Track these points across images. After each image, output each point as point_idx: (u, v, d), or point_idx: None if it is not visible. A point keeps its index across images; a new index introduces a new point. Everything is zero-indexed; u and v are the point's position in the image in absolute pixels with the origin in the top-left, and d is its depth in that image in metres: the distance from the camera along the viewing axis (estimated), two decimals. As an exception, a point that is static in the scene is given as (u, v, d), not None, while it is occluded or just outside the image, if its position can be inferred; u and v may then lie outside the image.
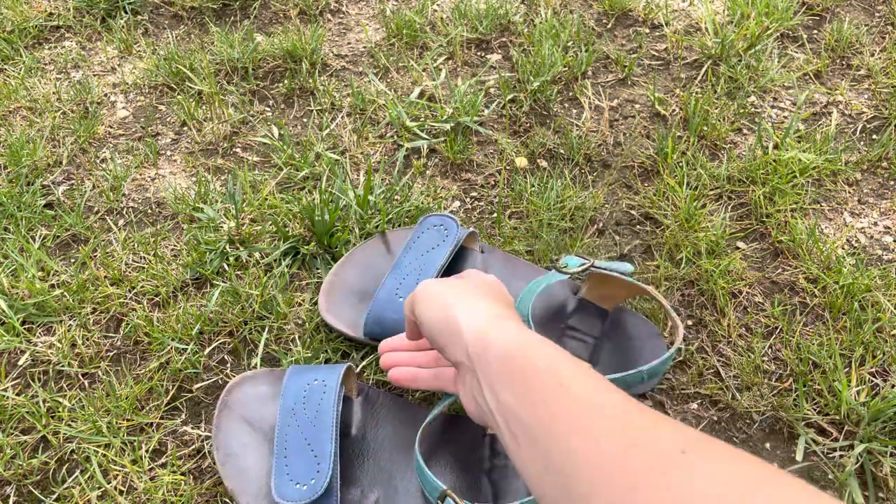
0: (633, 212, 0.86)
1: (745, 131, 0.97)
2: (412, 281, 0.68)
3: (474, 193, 0.88)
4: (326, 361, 0.70)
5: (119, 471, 0.63)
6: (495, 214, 0.84)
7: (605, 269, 0.68)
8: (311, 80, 1.02)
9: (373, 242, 0.77)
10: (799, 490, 0.31)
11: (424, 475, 0.54)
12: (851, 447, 0.65)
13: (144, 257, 0.80)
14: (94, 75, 1.05)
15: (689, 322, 0.75)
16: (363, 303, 0.71)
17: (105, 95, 1.02)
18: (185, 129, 0.96)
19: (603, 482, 0.34)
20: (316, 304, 0.74)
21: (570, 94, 1.01)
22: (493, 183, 0.89)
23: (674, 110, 0.98)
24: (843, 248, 0.82)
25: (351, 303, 0.71)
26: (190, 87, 1.01)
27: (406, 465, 0.60)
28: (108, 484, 0.62)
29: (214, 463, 0.61)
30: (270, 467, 0.58)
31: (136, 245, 0.81)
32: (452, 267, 0.73)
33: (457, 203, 0.87)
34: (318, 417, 0.58)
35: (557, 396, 0.39)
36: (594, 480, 0.34)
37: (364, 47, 1.09)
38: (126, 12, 1.14)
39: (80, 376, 0.70)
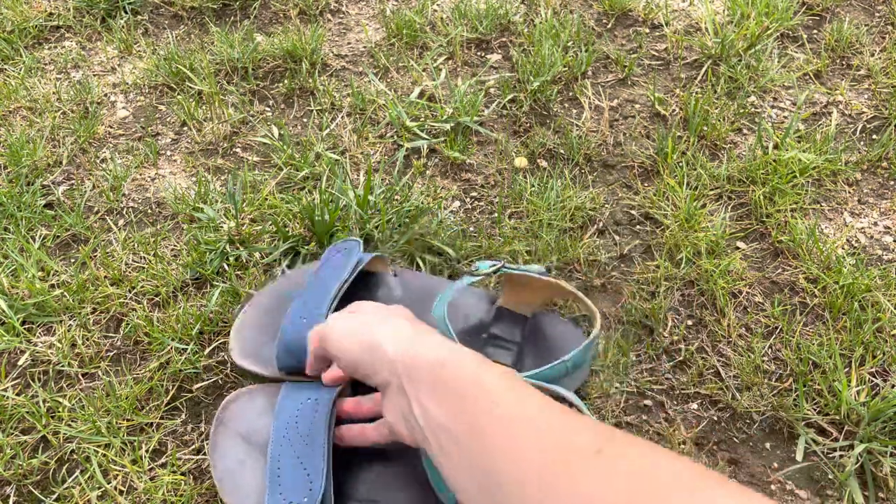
0: (633, 212, 0.86)
1: (745, 131, 0.97)
2: (314, 305, 0.65)
3: (474, 193, 0.88)
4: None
5: (119, 471, 0.63)
6: (495, 214, 0.84)
7: (515, 269, 0.67)
8: (311, 80, 1.02)
9: (279, 281, 0.74)
10: (715, 484, 0.31)
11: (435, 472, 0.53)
12: (851, 447, 0.65)
13: (144, 257, 0.80)
14: (94, 75, 1.05)
15: (689, 322, 0.75)
16: (274, 338, 0.68)
17: (105, 95, 1.02)
18: (185, 129, 0.96)
19: (524, 486, 0.34)
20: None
21: (570, 94, 1.01)
22: (492, 183, 0.89)
23: (674, 110, 0.99)
24: (843, 248, 0.82)
25: (262, 342, 0.68)
26: (190, 87, 1.01)
27: (402, 476, 0.60)
28: (108, 484, 0.62)
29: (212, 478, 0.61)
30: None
31: (136, 245, 0.81)
32: (365, 293, 0.71)
33: (457, 203, 0.87)
34: (311, 436, 0.58)
35: (482, 406, 0.40)
36: (516, 485, 0.35)
37: (364, 47, 1.09)
38: (126, 12, 1.14)
39: (80, 376, 0.70)
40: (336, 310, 0.64)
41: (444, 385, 0.42)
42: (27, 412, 0.67)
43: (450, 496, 0.53)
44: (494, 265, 0.66)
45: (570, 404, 0.61)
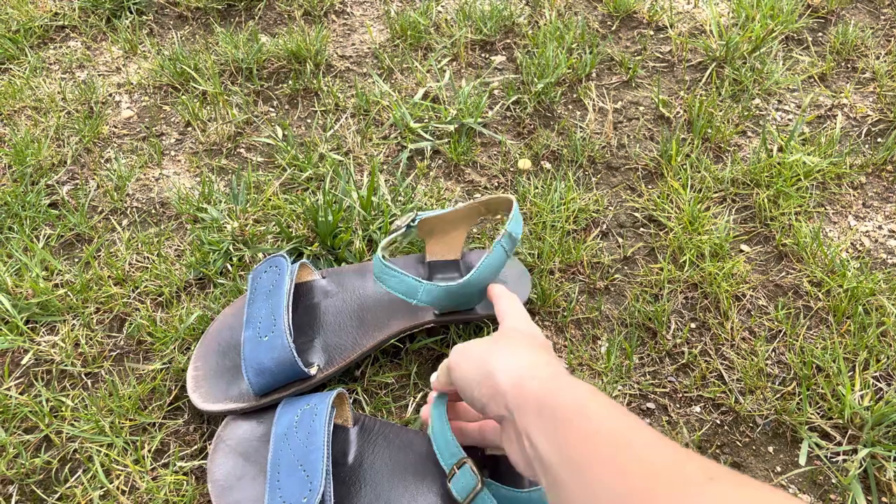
0: (636, 214, 0.86)
1: (749, 134, 0.96)
2: (268, 323, 0.66)
3: (477, 195, 0.88)
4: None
5: (121, 470, 0.63)
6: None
7: (428, 213, 0.71)
8: (315, 81, 1.02)
9: (217, 321, 0.72)
10: None
11: (444, 432, 0.54)
12: (855, 451, 0.65)
13: (148, 257, 0.80)
14: (99, 75, 1.05)
15: (693, 325, 0.75)
16: (237, 370, 0.67)
17: (110, 95, 1.02)
18: (190, 129, 0.97)
19: None
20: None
21: (574, 95, 1.01)
22: (496, 185, 0.89)
23: (678, 112, 0.98)
24: (847, 252, 0.82)
25: (226, 380, 0.67)
26: (194, 88, 1.01)
27: (404, 490, 0.60)
28: (111, 484, 0.62)
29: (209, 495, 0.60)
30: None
31: (139, 245, 0.81)
32: (305, 303, 0.71)
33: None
34: (309, 439, 0.58)
35: (589, 438, 0.39)
36: None
37: (368, 48, 1.09)
38: (131, 13, 1.15)
39: (83, 376, 0.70)
40: (291, 320, 0.65)
41: (550, 419, 0.41)
42: (30, 411, 0.67)
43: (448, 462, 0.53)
44: (410, 216, 0.70)
45: None
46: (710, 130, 0.94)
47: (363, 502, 0.59)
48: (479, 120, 0.95)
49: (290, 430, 0.59)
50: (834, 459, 0.65)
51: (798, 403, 0.68)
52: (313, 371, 0.66)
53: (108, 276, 0.78)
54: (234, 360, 0.67)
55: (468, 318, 0.71)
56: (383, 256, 0.67)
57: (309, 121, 0.98)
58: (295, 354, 0.63)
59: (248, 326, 0.66)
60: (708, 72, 1.04)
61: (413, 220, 0.70)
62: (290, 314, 0.66)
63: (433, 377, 0.58)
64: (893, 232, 0.85)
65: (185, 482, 0.62)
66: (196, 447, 0.65)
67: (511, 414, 0.44)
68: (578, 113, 0.99)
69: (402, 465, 0.61)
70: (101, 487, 0.62)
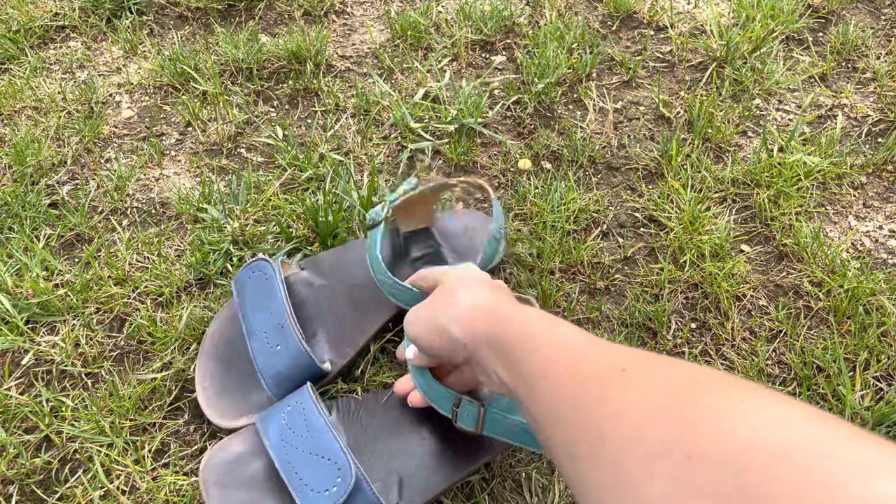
0: (636, 214, 0.86)
1: (749, 134, 0.96)
2: (275, 331, 0.65)
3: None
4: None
5: (121, 471, 0.63)
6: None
7: (397, 199, 0.72)
8: (315, 81, 1.02)
9: (211, 331, 0.71)
10: (724, 383, 0.33)
11: (432, 387, 0.56)
12: (855, 452, 0.65)
13: (148, 257, 0.80)
14: (100, 75, 1.05)
15: (693, 325, 0.75)
16: (249, 381, 0.67)
17: (110, 95, 1.02)
18: (190, 129, 0.97)
19: (560, 415, 0.37)
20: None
21: (575, 95, 1.01)
22: (496, 185, 0.89)
23: (678, 113, 0.98)
24: (847, 252, 0.82)
25: (241, 391, 0.67)
26: (195, 88, 1.01)
27: (411, 441, 0.61)
28: (111, 484, 0.62)
29: None
30: None
31: (139, 245, 0.81)
32: (291, 299, 0.71)
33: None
34: (310, 429, 0.58)
35: (527, 356, 0.43)
36: (555, 417, 0.38)
37: (368, 48, 1.09)
38: (131, 13, 1.15)
39: (84, 376, 0.70)
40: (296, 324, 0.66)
41: (499, 349, 0.46)
42: (30, 411, 0.67)
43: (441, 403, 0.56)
44: (383, 205, 0.71)
45: None
46: (710, 130, 0.94)
47: (383, 470, 0.59)
48: (480, 120, 0.95)
49: (285, 434, 0.59)
50: (834, 460, 0.65)
51: (798, 404, 0.68)
52: (328, 367, 0.66)
53: (109, 276, 0.78)
54: (240, 371, 0.67)
55: None
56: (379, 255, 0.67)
57: (309, 121, 0.98)
58: (313, 357, 0.64)
59: (253, 338, 0.66)
60: (708, 72, 1.04)
61: (387, 211, 0.70)
62: (295, 318, 0.66)
63: (400, 350, 0.62)
64: (894, 232, 0.85)
65: (185, 482, 0.62)
66: (196, 447, 0.65)
67: (472, 355, 0.49)
68: (579, 113, 0.99)
69: (397, 423, 0.62)
70: (102, 487, 0.62)
